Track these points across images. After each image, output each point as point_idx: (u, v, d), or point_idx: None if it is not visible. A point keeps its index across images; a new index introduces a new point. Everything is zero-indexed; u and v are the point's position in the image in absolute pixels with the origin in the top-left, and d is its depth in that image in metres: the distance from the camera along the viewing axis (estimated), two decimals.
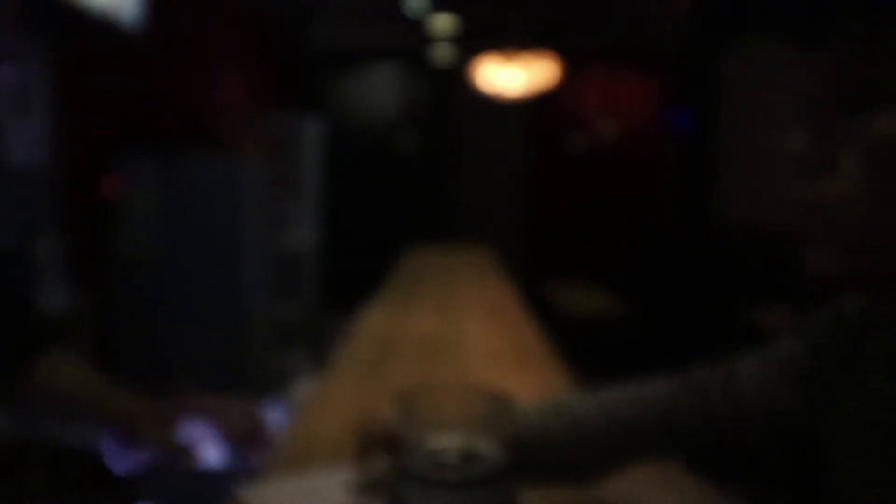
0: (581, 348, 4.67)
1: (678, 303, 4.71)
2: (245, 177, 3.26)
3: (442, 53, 5.98)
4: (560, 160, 6.53)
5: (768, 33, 3.93)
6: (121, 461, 0.90)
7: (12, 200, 0.81)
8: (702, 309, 4.42)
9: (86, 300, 2.70)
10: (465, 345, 1.54)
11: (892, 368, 0.57)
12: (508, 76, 4.61)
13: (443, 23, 5.33)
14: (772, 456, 0.74)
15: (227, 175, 3.20)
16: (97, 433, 0.93)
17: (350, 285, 4.76)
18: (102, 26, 2.70)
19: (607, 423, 0.74)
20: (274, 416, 1.63)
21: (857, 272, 0.49)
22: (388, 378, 1.28)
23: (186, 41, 3.92)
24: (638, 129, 6.25)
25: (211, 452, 0.90)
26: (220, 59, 4.51)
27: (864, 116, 0.46)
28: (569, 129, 6.41)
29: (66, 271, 2.58)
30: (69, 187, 2.80)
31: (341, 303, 5.01)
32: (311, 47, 6.34)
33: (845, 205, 0.48)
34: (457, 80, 6.10)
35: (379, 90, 6.59)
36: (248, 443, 0.90)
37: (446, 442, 0.46)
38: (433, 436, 0.46)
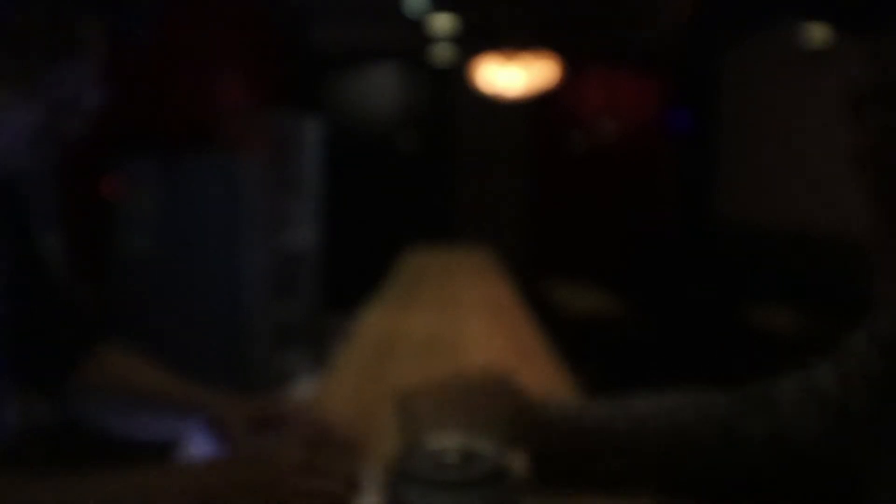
0: (581, 348, 4.67)
1: (678, 302, 4.71)
2: (245, 177, 3.26)
3: (442, 53, 5.99)
4: (560, 160, 6.53)
5: (799, 21, 3.80)
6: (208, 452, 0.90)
7: (13, 200, 0.82)
8: (702, 308, 4.42)
9: (88, 298, 2.70)
10: (465, 345, 1.54)
11: None
12: (508, 76, 4.61)
13: (443, 23, 5.34)
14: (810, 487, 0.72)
15: (227, 175, 3.20)
16: (170, 427, 0.93)
17: (350, 285, 4.76)
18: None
19: (671, 424, 0.74)
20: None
21: None
22: (388, 378, 1.28)
23: (186, 41, 3.92)
24: (638, 129, 6.25)
25: (200, 444, 0.90)
26: (220, 60, 4.51)
27: None
28: (569, 129, 6.41)
29: (68, 271, 2.58)
30: (70, 187, 2.81)
31: (341, 303, 5.01)
32: (312, 47, 6.34)
33: None
34: (457, 80, 6.10)
35: (379, 90, 6.59)
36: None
37: (446, 442, 0.46)
38: (433, 436, 0.46)
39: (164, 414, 0.93)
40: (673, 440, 0.73)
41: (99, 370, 0.95)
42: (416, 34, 5.79)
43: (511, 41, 4.55)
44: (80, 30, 0.73)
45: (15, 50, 0.69)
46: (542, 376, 1.30)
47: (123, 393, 0.96)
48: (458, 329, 1.69)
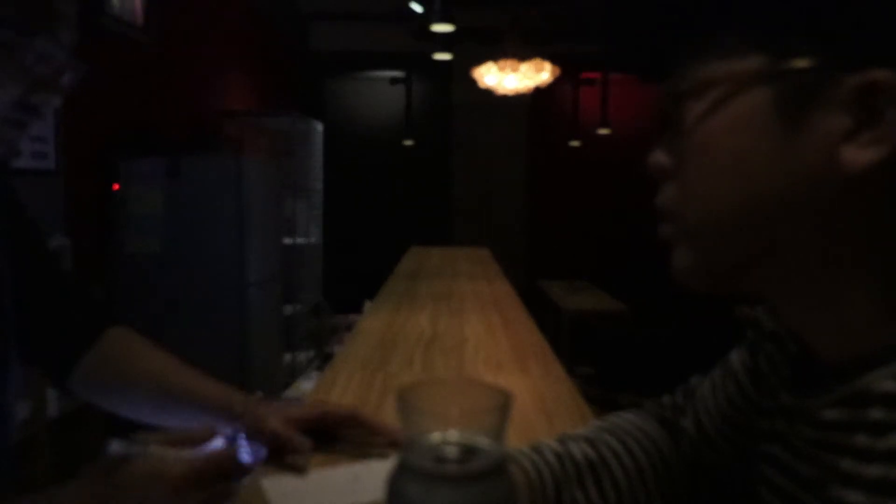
0: (581, 348, 4.68)
1: (678, 303, 4.71)
2: (247, 178, 3.27)
3: (442, 56, 5.99)
4: (560, 162, 6.53)
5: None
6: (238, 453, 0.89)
7: (21, 200, 0.82)
8: (701, 308, 4.42)
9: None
10: (465, 344, 1.55)
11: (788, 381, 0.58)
12: (508, 79, 4.61)
13: (443, 26, 5.34)
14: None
15: (231, 176, 3.21)
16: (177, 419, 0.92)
17: (352, 285, 4.76)
18: (109, 31, 2.71)
19: (620, 439, 0.76)
20: None
21: (709, 268, 0.54)
22: (388, 377, 1.29)
23: (190, 45, 3.93)
24: (637, 131, 6.25)
25: (216, 446, 0.91)
26: (223, 62, 4.52)
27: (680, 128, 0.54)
28: (569, 131, 6.41)
29: (75, 269, 2.59)
30: (77, 187, 2.82)
31: (344, 302, 5.02)
32: (313, 50, 6.34)
33: (683, 205, 0.54)
34: (457, 82, 6.11)
35: (379, 92, 6.59)
36: None
37: (446, 436, 0.47)
38: (433, 430, 0.46)
39: (190, 413, 0.93)
40: (630, 452, 0.75)
41: (114, 356, 0.94)
42: (417, 37, 5.79)
43: (511, 44, 4.55)
44: (57, 3, 0.73)
45: None
46: (541, 376, 1.31)
47: (143, 387, 0.95)
48: (458, 329, 1.70)
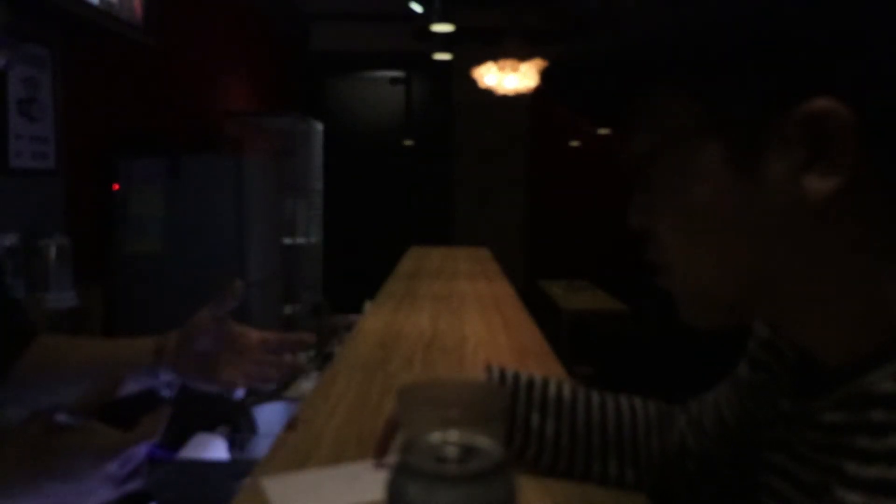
0: (581, 348, 4.68)
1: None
2: (247, 178, 3.27)
3: (442, 56, 5.99)
4: (560, 162, 6.53)
5: None
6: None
7: (23, 200, 0.83)
8: None
9: (93, 297, 2.72)
10: (465, 344, 1.55)
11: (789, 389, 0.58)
12: (508, 79, 4.62)
13: (443, 26, 5.35)
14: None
15: (231, 176, 3.21)
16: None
17: (350, 285, 4.76)
18: (109, 32, 2.71)
19: (616, 405, 0.80)
20: (274, 415, 1.65)
21: (710, 314, 0.54)
22: (388, 377, 1.29)
23: (190, 45, 3.93)
24: None
25: (216, 446, 0.91)
26: (223, 62, 4.52)
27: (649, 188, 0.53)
28: (569, 131, 6.41)
29: (75, 269, 2.59)
30: (77, 187, 2.82)
31: (341, 303, 5.02)
32: (313, 50, 6.34)
33: (669, 262, 0.54)
34: (457, 82, 6.11)
35: (379, 92, 6.59)
36: None
37: (446, 436, 0.47)
38: (433, 430, 0.46)
39: (100, 379, 0.91)
40: (603, 404, 0.79)
41: (32, 360, 0.94)
42: (417, 37, 5.80)
43: (511, 44, 4.55)
44: None
45: None
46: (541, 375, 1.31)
47: (56, 373, 0.95)
48: (458, 328, 1.70)
